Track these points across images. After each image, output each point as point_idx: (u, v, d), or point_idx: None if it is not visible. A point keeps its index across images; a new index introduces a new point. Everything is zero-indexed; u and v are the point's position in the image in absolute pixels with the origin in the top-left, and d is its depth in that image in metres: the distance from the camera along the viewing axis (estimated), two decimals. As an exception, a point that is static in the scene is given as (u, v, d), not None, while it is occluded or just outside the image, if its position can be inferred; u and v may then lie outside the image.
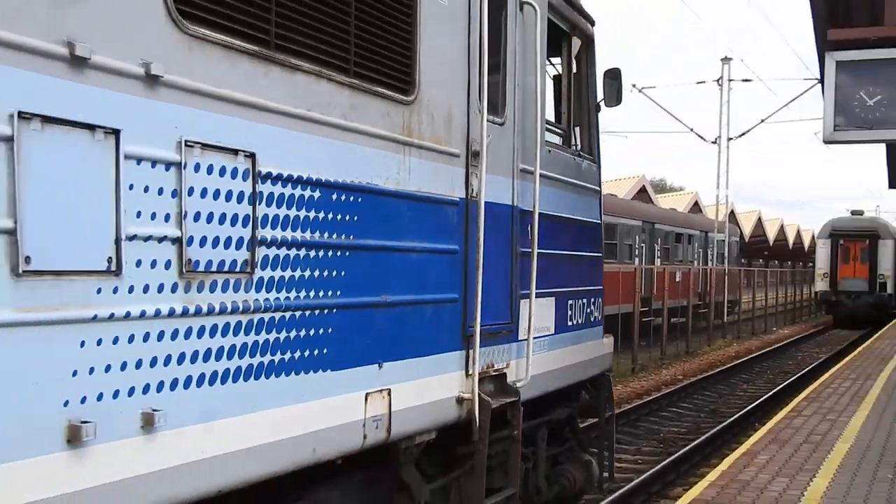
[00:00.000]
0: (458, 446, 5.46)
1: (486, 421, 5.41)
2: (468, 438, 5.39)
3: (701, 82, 43.27)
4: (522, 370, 6.01)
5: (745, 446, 11.26)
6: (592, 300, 7.48)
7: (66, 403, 3.00)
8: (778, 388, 20.53)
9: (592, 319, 7.52)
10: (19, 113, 2.84)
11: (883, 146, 20.50)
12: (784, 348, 31.55)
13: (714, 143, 41.58)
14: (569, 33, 6.93)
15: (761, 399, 18.69)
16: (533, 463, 6.64)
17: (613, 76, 7.53)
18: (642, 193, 48.01)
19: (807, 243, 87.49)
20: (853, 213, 45.50)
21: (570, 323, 6.98)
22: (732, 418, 16.35)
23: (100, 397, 3.13)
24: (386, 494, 4.93)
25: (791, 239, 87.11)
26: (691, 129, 40.01)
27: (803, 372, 23.81)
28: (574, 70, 7.12)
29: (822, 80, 10.32)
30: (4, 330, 2.79)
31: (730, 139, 42.16)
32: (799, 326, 43.70)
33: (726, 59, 42.61)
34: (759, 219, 73.57)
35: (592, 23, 7.39)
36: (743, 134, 41.48)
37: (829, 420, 13.09)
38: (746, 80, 42.62)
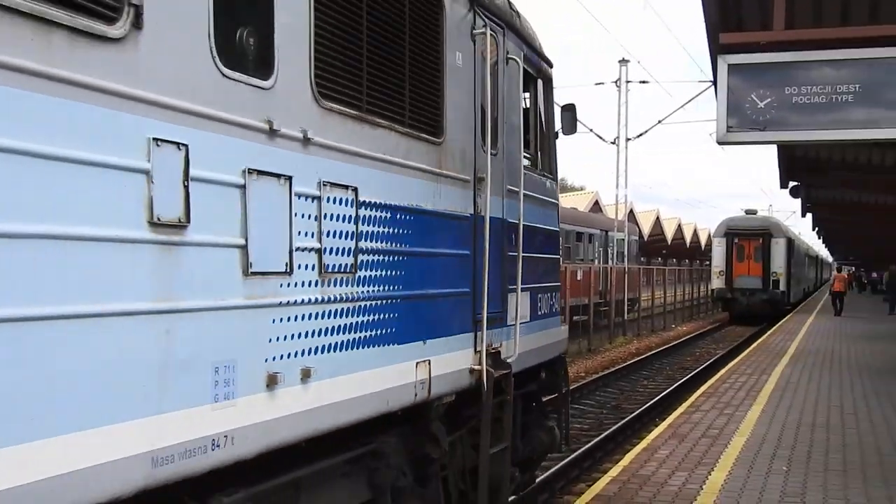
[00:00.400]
0: (464, 409, 6.90)
1: (492, 387, 6.90)
2: (474, 402, 6.84)
3: (600, 83, 44.09)
4: (511, 349, 7.43)
5: (645, 441, 11.49)
6: (554, 294, 9.05)
7: (265, 360, 4.36)
8: (677, 383, 21.02)
9: (554, 310, 9.05)
10: (247, 169, 4.20)
11: (774, 147, 21.17)
12: (683, 345, 32.31)
13: (613, 143, 42.38)
14: (535, 76, 8.49)
15: (661, 395, 19.10)
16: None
17: (569, 109, 9.28)
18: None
19: (703, 242, 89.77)
20: (747, 212, 46.85)
21: (539, 312, 8.40)
22: (633, 414, 16.67)
23: (281, 357, 4.48)
24: (420, 443, 6.37)
25: (688, 237, 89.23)
26: (591, 130, 40.68)
27: (701, 368, 24.42)
28: (539, 105, 8.64)
29: (715, 83, 10.61)
30: (239, 310, 4.18)
31: (628, 140, 43.00)
32: (697, 323, 44.80)
33: (624, 62, 43.47)
34: (658, 218, 75.16)
35: (551, 65, 9.00)
36: (641, 135, 42.34)
37: (727, 414, 13.46)
38: (644, 82, 43.59)
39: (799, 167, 24.73)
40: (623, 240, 42.97)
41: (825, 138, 10.28)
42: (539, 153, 8.68)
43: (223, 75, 4.07)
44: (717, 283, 42.53)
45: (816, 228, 58.26)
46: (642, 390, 20.98)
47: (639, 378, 23.16)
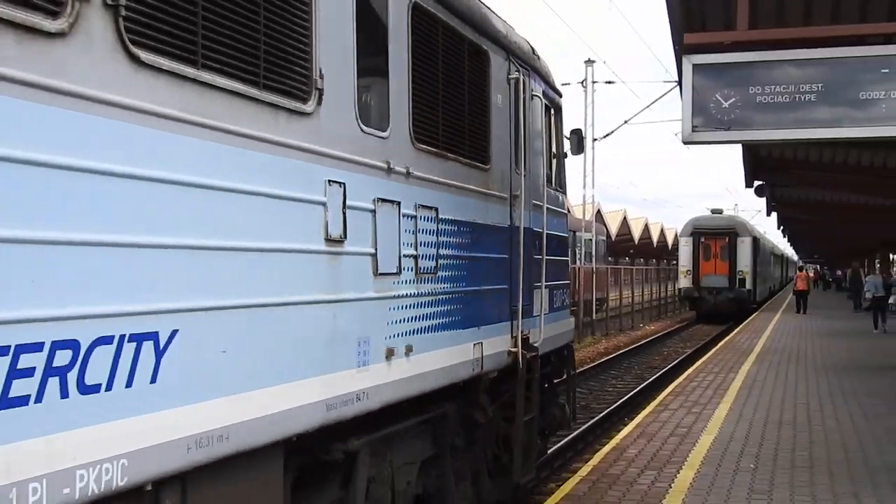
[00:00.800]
0: (500, 385, 8.34)
1: (525, 366, 8.46)
2: (508, 379, 8.34)
3: (566, 84, 44.21)
4: (537, 335, 8.94)
5: (614, 441, 11.54)
6: (565, 290, 10.60)
7: (385, 338, 5.90)
8: (645, 383, 21.14)
9: (565, 304, 10.58)
10: (376, 198, 5.79)
11: (739, 146, 21.34)
12: (650, 344, 32.50)
13: (580, 144, 42.59)
14: (549, 106, 9.97)
15: (630, 394, 19.20)
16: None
17: (576, 133, 11.03)
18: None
19: (670, 241, 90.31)
20: (713, 211, 47.24)
21: (555, 306, 9.87)
22: (602, 414, 16.74)
23: (394, 336, 6.01)
24: (471, 411, 7.91)
25: (655, 237, 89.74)
26: (558, 131, 40.86)
27: (669, 367, 24.58)
28: (552, 130, 10.11)
29: (680, 83, 10.68)
30: (372, 301, 5.70)
31: (595, 140, 43.17)
32: (664, 322, 45.09)
33: (590, 62, 43.66)
34: (625, 218, 75.54)
35: (560, 95, 10.62)
36: (607, 135, 42.53)
37: (694, 413, 13.54)
38: (610, 83, 43.81)
39: (764, 166, 24.98)
40: (591, 240, 43.15)
41: (789, 137, 10.37)
42: (553, 172, 10.15)
43: (362, 131, 5.65)
44: (683, 282, 42.83)
45: (781, 227, 58.84)
46: (611, 390, 21.08)
47: (607, 378, 23.26)
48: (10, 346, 3.16)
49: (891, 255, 48.98)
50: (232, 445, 4.33)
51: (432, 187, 6.65)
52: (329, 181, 5.20)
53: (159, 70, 3.87)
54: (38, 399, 3.28)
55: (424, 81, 6.59)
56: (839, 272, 75.63)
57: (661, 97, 31.06)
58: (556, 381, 10.73)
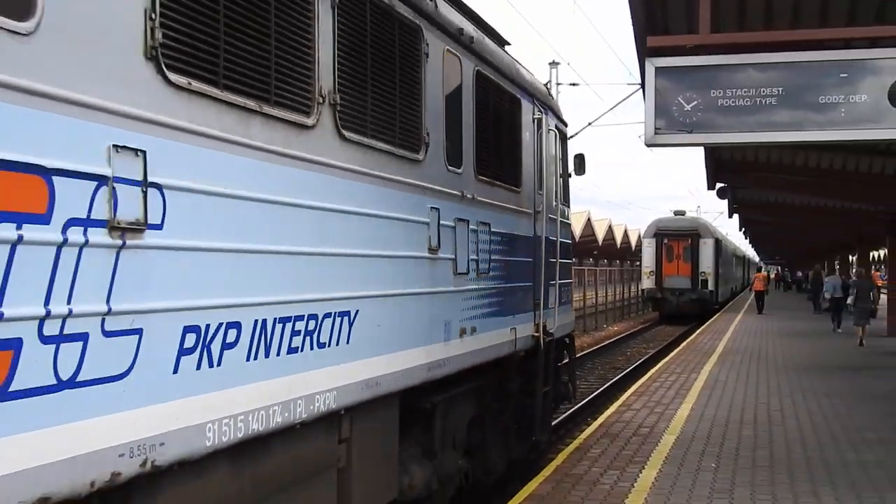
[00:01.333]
0: (525, 362, 10.36)
1: (544, 347, 10.63)
2: (529, 358, 10.43)
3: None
4: (552, 324, 10.90)
5: (578, 441, 11.62)
6: (570, 287, 12.64)
7: (459, 321, 7.83)
8: (609, 383, 21.27)
9: (569, 299, 12.53)
10: (456, 218, 7.75)
11: (701, 149, 21.54)
12: (614, 344, 32.69)
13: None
14: (559, 136, 11.91)
15: (593, 394, 19.32)
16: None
17: (580, 157, 12.68)
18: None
19: (634, 243, 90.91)
20: (676, 213, 47.61)
21: (562, 300, 11.61)
22: (566, 414, 16.83)
23: (465, 319, 7.98)
24: (504, 382, 9.98)
25: (619, 238, 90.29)
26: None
27: (632, 367, 24.75)
28: (560, 154, 11.95)
29: (643, 86, 10.78)
30: (453, 293, 7.62)
31: (559, 142, 43.27)
32: (628, 323, 45.37)
33: (554, 64, 43.80)
34: (589, 219, 75.94)
35: (566, 125, 12.70)
36: (571, 136, 42.60)
37: (657, 413, 13.67)
38: (574, 85, 43.97)
39: (726, 169, 25.23)
40: (555, 241, 43.28)
41: (750, 140, 10.50)
42: (561, 190, 11.90)
43: (447, 170, 7.69)
44: (647, 283, 43.13)
45: (743, 229, 59.41)
46: (574, 391, 21.16)
47: (571, 378, 23.33)
48: (290, 317, 5.24)
49: (850, 257, 49.59)
50: (382, 389, 6.41)
51: (487, 208, 8.69)
52: (431, 207, 7.33)
53: (353, 143, 6.04)
54: (301, 350, 5.37)
55: (482, 128, 8.65)
56: (799, 273, 76.45)
57: (624, 99, 31.28)
58: (559, 363, 12.49)
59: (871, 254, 45.82)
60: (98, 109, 3.74)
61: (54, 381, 3.49)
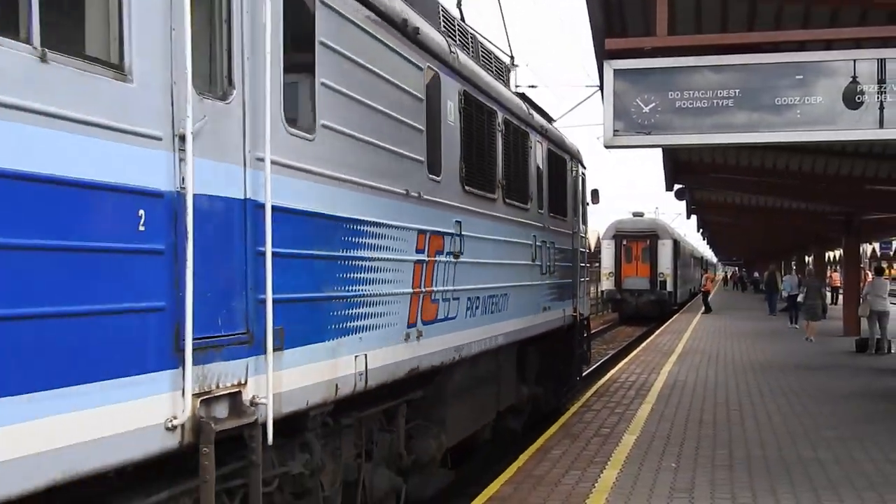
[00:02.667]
0: (566, 333, 14.95)
1: (578, 323, 15.74)
2: (562, 336, 14.74)
3: (489, 88, 44.39)
4: (582, 308, 15.89)
5: (539, 442, 11.65)
6: (586, 283, 16.98)
7: (541, 303, 12.91)
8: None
9: (586, 291, 16.88)
10: (541, 240, 12.73)
11: (659, 150, 21.72)
12: (574, 346, 32.74)
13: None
14: (581, 177, 16.44)
15: (554, 396, 19.36)
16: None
17: (595, 190, 17.38)
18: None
19: (593, 244, 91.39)
20: (635, 214, 47.90)
21: (583, 292, 16.09)
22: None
23: (544, 302, 12.94)
24: (550, 345, 14.01)
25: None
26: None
27: (592, 368, 24.87)
28: (581, 189, 16.49)
29: (601, 87, 10.85)
30: (539, 286, 12.72)
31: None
32: (588, 325, 45.52)
33: (513, 65, 43.88)
34: (548, 221, 76.04)
35: (586, 168, 16.96)
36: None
37: (617, 413, 13.76)
38: (532, 87, 44.11)
39: (684, 170, 25.44)
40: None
41: (708, 141, 10.62)
42: (582, 215, 16.54)
43: (538, 212, 12.50)
44: (606, 284, 43.38)
45: (701, 230, 59.89)
46: (535, 392, 21.23)
47: (532, 380, 23.40)
48: (496, 295, 10.40)
49: (806, 258, 50.22)
50: (513, 337, 11.17)
51: (552, 233, 13.57)
52: (532, 234, 12.19)
53: (507, 203, 10.74)
54: (493, 312, 10.36)
55: (550, 182, 13.53)
56: (756, 274, 77.28)
57: (583, 101, 31.37)
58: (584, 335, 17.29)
59: (826, 254, 46.43)
60: (451, 205, 8.96)
61: (441, 317, 8.57)
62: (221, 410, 4.94)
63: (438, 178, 8.46)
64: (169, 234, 4.51)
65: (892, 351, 22.79)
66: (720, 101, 9.65)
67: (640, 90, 9.70)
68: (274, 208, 5.33)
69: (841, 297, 35.35)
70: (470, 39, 10.42)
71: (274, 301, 5.30)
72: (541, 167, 12.83)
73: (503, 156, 10.70)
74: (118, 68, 4.25)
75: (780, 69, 9.58)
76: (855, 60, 9.38)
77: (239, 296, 5.12)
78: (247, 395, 5.15)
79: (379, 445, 7.91)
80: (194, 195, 4.60)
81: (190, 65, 4.60)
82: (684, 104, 9.73)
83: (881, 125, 9.27)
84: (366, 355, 6.77)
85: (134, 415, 4.26)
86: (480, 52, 10.88)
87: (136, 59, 4.31)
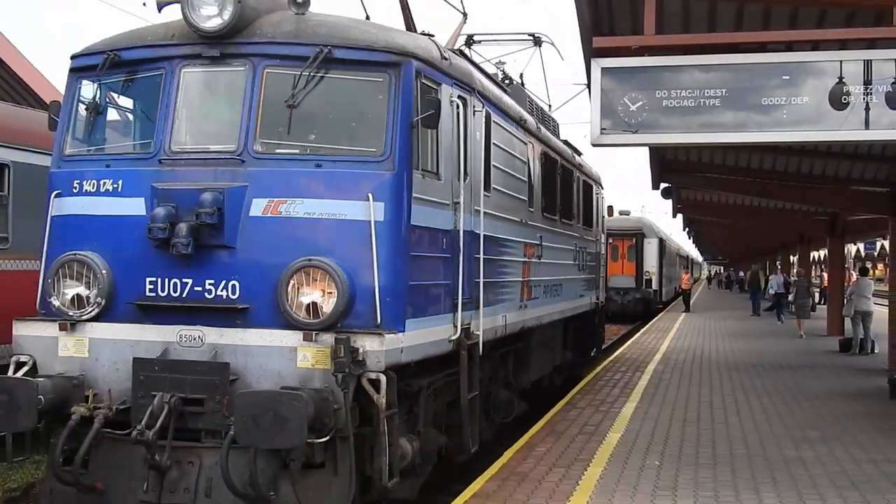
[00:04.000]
0: (584, 322, 18.66)
1: (596, 311, 20.13)
2: (588, 317, 19.13)
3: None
4: (601, 297, 20.69)
5: (524, 439, 11.69)
6: (602, 277, 21.80)
7: (579, 290, 17.66)
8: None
9: (602, 284, 21.61)
10: (579, 247, 17.57)
11: (647, 149, 21.76)
12: (559, 344, 32.85)
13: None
14: (600, 193, 20.52)
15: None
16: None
17: (609, 206, 28.76)
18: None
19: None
20: (621, 212, 47.98)
21: (598, 284, 20.32)
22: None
23: (580, 289, 17.66)
24: (583, 324, 18.69)
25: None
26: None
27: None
28: (600, 204, 20.82)
29: (589, 86, 10.87)
30: (578, 278, 17.45)
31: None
32: (573, 323, 45.65)
33: (500, 63, 43.84)
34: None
35: (603, 188, 21.19)
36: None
37: (602, 411, 13.81)
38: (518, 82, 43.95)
39: (670, 169, 25.48)
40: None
41: (694, 141, 10.65)
42: (601, 226, 20.97)
43: (582, 226, 17.51)
44: (592, 282, 43.40)
45: (687, 229, 60.07)
46: (520, 390, 21.27)
47: (517, 378, 23.44)
48: (559, 284, 15.21)
49: (791, 257, 50.43)
50: (562, 315, 15.53)
51: (583, 240, 17.48)
52: (575, 242, 16.45)
53: (564, 223, 15.70)
54: (556, 296, 14.89)
55: (584, 203, 17.73)
56: (741, 273, 77.55)
57: (570, 100, 31.41)
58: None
59: (811, 254, 46.63)
60: (537, 225, 13.33)
61: (533, 297, 12.96)
62: (463, 335, 9.37)
63: (532, 210, 12.92)
64: (452, 249, 9.09)
65: (876, 351, 22.91)
66: (707, 100, 9.68)
67: (628, 89, 9.72)
68: (483, 236, 10.01)
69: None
70: (536, 109, 14.70)
71: (482, 283, 9.93)
72: (578, 193, 17.30)
73: (560, 190, 15.26)
74: (437, 175, 8.80)
75: (767, 69, 9.62)
76: (841, 61, 9.41)
77: (471, 279, 9.60)
78: (472, 329, 9.66)
79: (500, 374, 12.08)
80: (462, 231, 9.30)
81: (456, 168, 9.24)
82: (671, 103, 9.76)
83: (867, 126, 9.32)
84: (505, 316, 11.27)
85: (441, 332, 8.85)
86: (542, 116, 15.21)
87: (441, 170, 8.87)
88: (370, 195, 7.85)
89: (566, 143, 17.03)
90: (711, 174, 25.48)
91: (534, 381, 14.02)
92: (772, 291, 37.15)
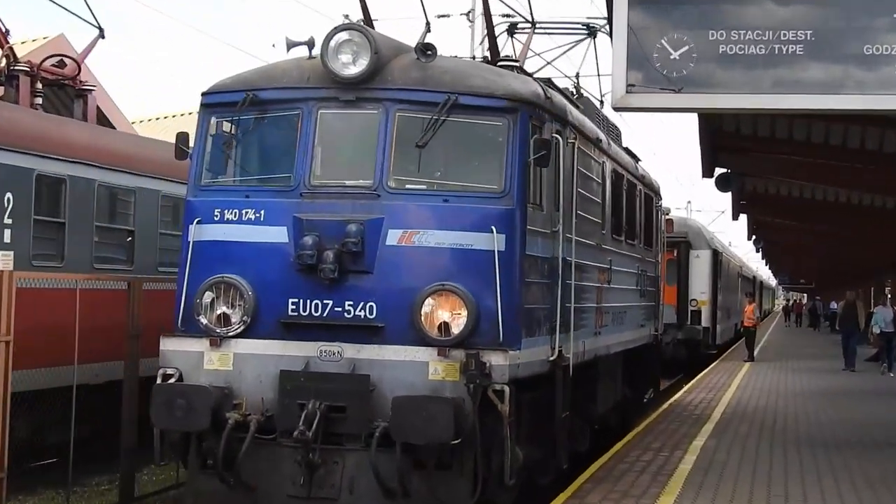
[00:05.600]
0: (641, 355, 23.73)
1: (658, 341, 26.88)
2: (645, 351, 24.10)
3: (444, 16, 44.45)
4: (660, 326, 27.11)
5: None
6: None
7: (640, 320, 23.25)
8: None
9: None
10: (639, 269, 23.02)
11: (694, 117, 21.85)
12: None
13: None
14: (660, 206, 26.56)
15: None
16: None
17: (669, 219, 31.98)
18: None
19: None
20: (656, 211, 48.09)
21: (657, 315, 26.64)
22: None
23: (639, 319, 23.39)
24: (642, 354, 23.77)
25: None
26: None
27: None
28: (660, 219, 26.69)
29: (610, 22, 10.95)
30: (638, 305, 22.79)
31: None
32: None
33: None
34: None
35: (661, 198, 26.70)
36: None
37: (624, 509, 13.81)
38: (507, 16, 44.14)
39: (729, 147, 25.70)
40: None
41: (766, 106, 10.75)
42: (661, 244, 26.50)
43: (642, 246, 22.48)
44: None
45: (754, 237, 60.21)
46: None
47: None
48: (624, 310, 20.63)
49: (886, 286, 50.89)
50: (625, 346, 20.58)
51: (644, 262, 22.57)
52: (636, 265, 21.46)
53: (630, 244, 20.89)
54: (620, 324, 19.87)
55: (646, 220, 22.82)
56: (834, 304, 77.79)
57: (581, 40, 31.32)
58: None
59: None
60: (608, 248, 18.35)
61: (604, 324, 17.96)
62: (556, 357, 13.94)
63: (604, 232, 17.55)
64: (552, 276, 13.89)
65: None
66: (785, 46, 9.76)
67: (668, 26, 9.80)
68: (576, 264, 14.72)
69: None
70: (606, 124, 19.62)
71: (572, 308, 14.62)
72: (640, 208, 21.91)
73: (626, 208, 19.79)
74: (540, 207, 13.52)
75: (871, 2, 9.71)
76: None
77: (564, 304, 14.12)
78: (563, 352, 13.98)
79: (576, 402, 15.94)
80: (561, 258, 14.10)
81: (553, 198, 13.81)
82: (732, 50, 9.85)
83: None
84: (584, 342, 15.81)
85: (543, 353, 13.55)
86: (609, 128, 19.70)
87: (543, 201, 13.61)
88: (493, 228, 12.46)
89: (627, 150, 22.15)
90: (790, 156, 25.73)
91: (599, 416, 19.05)
92: (876, 330, 37.94)
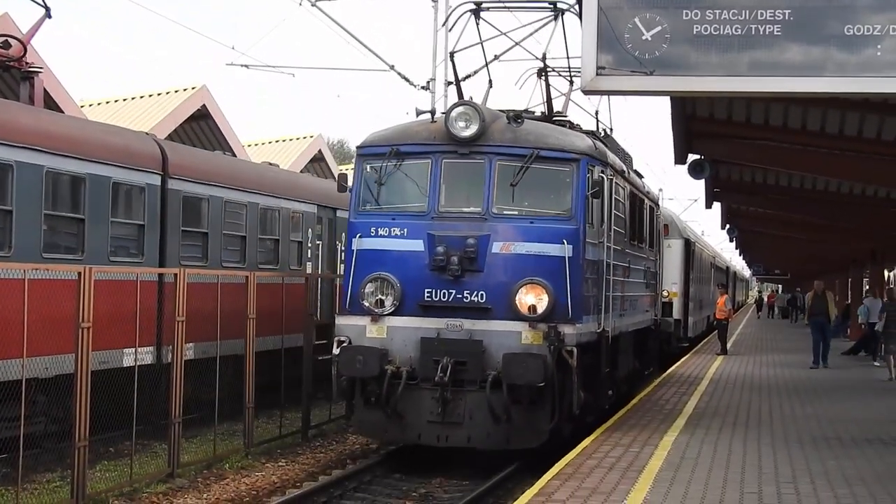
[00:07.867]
0: (645, 338, 32.02)
1: (657, 326, 35.30)
2: (648, 332, 32.68)
3: (407, -4, 44.40)
4: (659, 313, 36.26)
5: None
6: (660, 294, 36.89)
7: (645, 307, 31.54)
8: (522, 459, 21.34)
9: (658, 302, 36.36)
10: (647, 267, 31.72)
11: (667, 100, 21.86)
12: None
13: (425, 88, 42.72)
14: (658, 212, 34.81)
15: (501, 475, 19.38)
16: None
17: (665, 224, 40.69)
18: (318, 163, 48.59)
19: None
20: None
21: (657, 303, 35.45)
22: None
23: (645, 306, 31.78)
24: (645, 335, 31.98)
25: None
26: (391, 67, 40.77)
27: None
28: (658, 222, 34.75)
29: (580, 1, 10.91)
30: (644, 294, 31.25)
31: (449, 84, 43.46)
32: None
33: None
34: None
35: (659, 205, 35.46)
36: (468, 76, 42.75)
37: (592, 507, 13.83)
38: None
39: (703, 133, 25.77)
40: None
41: (741, 89, 10.73)
42: (658, 244, 34.75)
43: (648, 248, 30.72)
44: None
45: (728, 226, 60.38)
46: (468, 471, 21.22)
47: (465, 451, 23.39)
48: (636, 298, 28.67)
49: (886, 273, 51.22)
50: (636, 326, 28.63)
51: (649, 260, 30.70)
52: (643, 263, 29.43)
53: (638, 246, 28.14)
54: (632, 310, 27.22)
55: (649, 225, 30.66)
56: (808, 296, 77.81)
57: (548, 21, 31.30)
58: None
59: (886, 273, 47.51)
60: (626, 251, 25.83)
61: (624, 310, 25.63)
62: (601, 330, 22.07)
63: (626, 239, 24.30)
64: (599, 273, 21.91)
65: None
66: (762, 26, 9.76)
67: (641, 5, 9.78)
68: (611, 264, 22.62)
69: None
70: (624, 156, 25.86)
71: (611, 296, 22.69)
72: (645, 217, 27.96)
73: (638, 219, 26.03)
74: (592, 225, 21.04)
75: (853, -19, 9.69)
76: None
77: (605, 293, 22.22)
78: (605, 328, 21.96)
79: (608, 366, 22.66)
80: (606, 262, 22.28)
81: (600, 218, 21.76)
82: (706, 30, 9.85)
83: None
84: (614, 321, 22.83)
85: (594, 327, 21.35)
86: (625, 158, 25.59)
87: (594, 220, 21.27)
88: (564, 240, 19.39)
89: (637, 172, 29.16)
90: (766, 141, 25.80)
91: (619, 380, 25.34)
92: (862, 320, 40.22)
